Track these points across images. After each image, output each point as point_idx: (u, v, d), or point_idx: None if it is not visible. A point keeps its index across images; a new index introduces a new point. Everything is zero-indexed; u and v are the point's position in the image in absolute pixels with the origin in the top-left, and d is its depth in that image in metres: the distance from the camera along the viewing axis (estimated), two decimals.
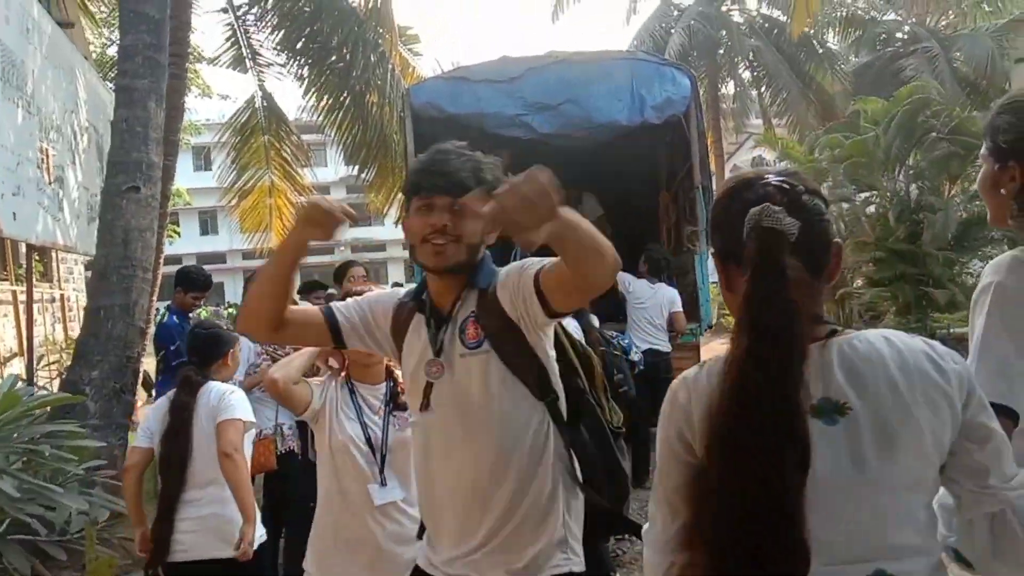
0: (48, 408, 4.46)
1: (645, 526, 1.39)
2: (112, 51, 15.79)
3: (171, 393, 3.27)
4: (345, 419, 2.66)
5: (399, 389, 2.65)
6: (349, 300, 2.16)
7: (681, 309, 6.56)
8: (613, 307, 6.94)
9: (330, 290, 5.57)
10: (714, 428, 1.17)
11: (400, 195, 12.46)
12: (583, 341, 5.08)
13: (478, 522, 1.92)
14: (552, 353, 2.00)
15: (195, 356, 3.36)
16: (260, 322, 2.04)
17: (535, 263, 1.86)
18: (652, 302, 6.47)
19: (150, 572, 3.12)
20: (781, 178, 1.31)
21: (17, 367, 8.39)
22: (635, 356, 6.12)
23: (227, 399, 3.17)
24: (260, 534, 3.20)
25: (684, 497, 1.24)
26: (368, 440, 2.65)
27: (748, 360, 1.14)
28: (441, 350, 1.96)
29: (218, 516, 3.12)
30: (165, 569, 3.09)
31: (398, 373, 2.56)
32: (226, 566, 3.06)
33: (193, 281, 5.62)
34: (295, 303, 2.17)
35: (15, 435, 3.67)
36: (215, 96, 20.59)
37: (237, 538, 3.02)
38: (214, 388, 3.22)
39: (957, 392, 1.23)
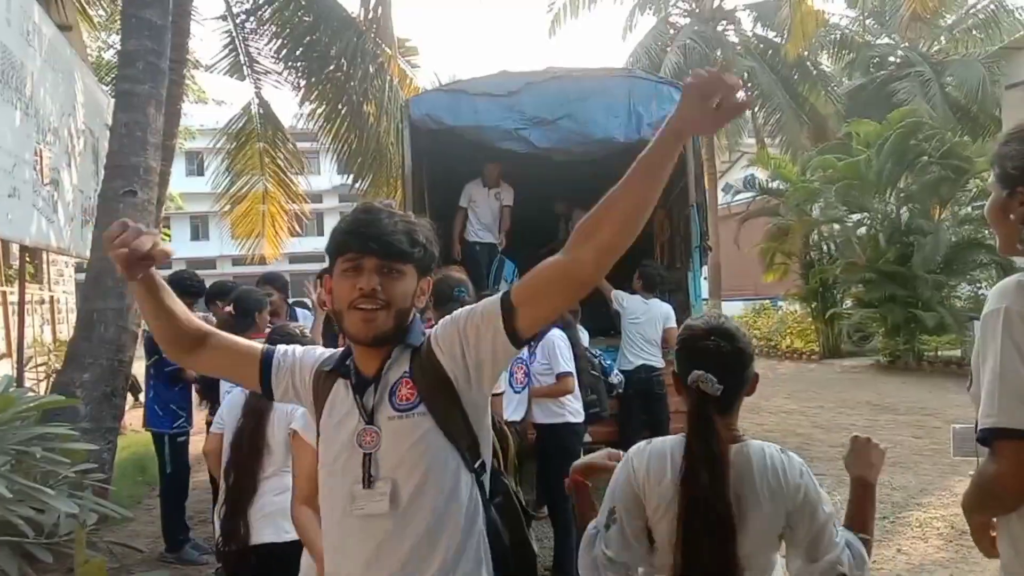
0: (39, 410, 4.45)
1: (593, 525, 2.02)
2: (109, 55, 15.81)
3: (247, 393, 3.31)
4: None
5: None
6: (292, 347, 1.97)
7: (675, 325, 6.59)
8: (606, 322, 6.97)
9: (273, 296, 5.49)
10: (675, 519, 1.86)
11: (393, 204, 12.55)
12: (572, 355, 5.12)
13: None
14: (487, 420, 1.84)
15: None
16: (161, 342, 1.90)
17: (484, 301, 1.74)
18: (646, 318, 6.50)
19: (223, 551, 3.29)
20: (716, 340, 1.92)
21: (4, 368, 8.35)
22: (615, 379, 6.17)
23: (297, 410, 3.03)
24: None
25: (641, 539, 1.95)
26: None
27: (691, 475, 1.84)
28: (373, 416, 1.75)
29: (284, 505, 3.08)
30: (238, 554, 3.23)
31: None
32: (291, 549, 3.02)
33: (186, 287, 5.63)
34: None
35: (7, 437, 3.66)
36: (210, 102, 20.63)
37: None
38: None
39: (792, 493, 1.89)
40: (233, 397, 3.49)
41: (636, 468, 1.93)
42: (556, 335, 5.05)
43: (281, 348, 1.94)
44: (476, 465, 1.77)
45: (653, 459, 1.92)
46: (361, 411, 1.76)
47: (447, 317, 1.79)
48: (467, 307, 1.77)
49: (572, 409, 5.12)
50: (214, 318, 5.71)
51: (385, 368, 1.77)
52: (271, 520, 3.21)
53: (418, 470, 1.71)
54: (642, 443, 2.00)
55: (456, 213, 7.95)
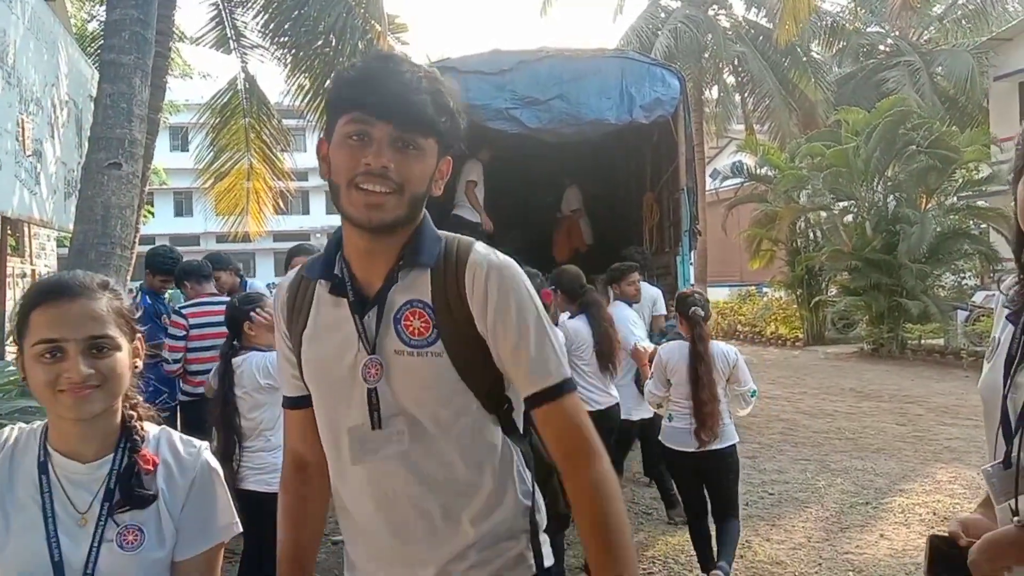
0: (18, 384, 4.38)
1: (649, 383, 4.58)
2: (93, 26, 15.57)
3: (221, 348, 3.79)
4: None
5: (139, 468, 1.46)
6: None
7: (664, 311, 6.58)
8: None
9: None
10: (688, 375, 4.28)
11: None
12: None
13: (426, 561, 1.47)
14: None
15: (231, 327, 3.78)
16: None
17: (532, 357, 1.43)
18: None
19: None
20: (697, 294, 4.47)
21: None
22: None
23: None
24: None
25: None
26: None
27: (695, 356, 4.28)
28: (376, 344, 1.43)
29: (269, 460, 3.57)
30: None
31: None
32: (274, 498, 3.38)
33: (159, 265, 5.64)
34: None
35: None
36: (195, 76, 20.38)
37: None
38: (253, 360, 3.61)
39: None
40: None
41: (664, 354, 4.45)
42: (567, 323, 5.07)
43: (283, 379, 1.65)
44: (500, 406, 1.50)
45: (673, 350, 4.43)
46: (363, 337, 1.43)
47: (502, 277, 1.43)
48: (522, 311, 1.43)
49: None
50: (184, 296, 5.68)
51: (389, 287, 1.44)
52: (259, 472, 3.59)
53: (427, 409, 1.43)
54: (668, 344, 4.59)
55: (468, 187, 7.94)
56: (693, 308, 4.31)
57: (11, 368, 5.64)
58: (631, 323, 5.55)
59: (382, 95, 1.34)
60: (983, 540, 1.40)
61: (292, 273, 1.60)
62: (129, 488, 1.43)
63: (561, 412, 1.44)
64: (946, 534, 1.55)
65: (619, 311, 5.55)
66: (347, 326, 1.45)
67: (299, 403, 1.60)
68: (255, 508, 3.62)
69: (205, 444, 1.58)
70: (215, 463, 1.56)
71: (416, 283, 1.45)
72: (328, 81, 1.51)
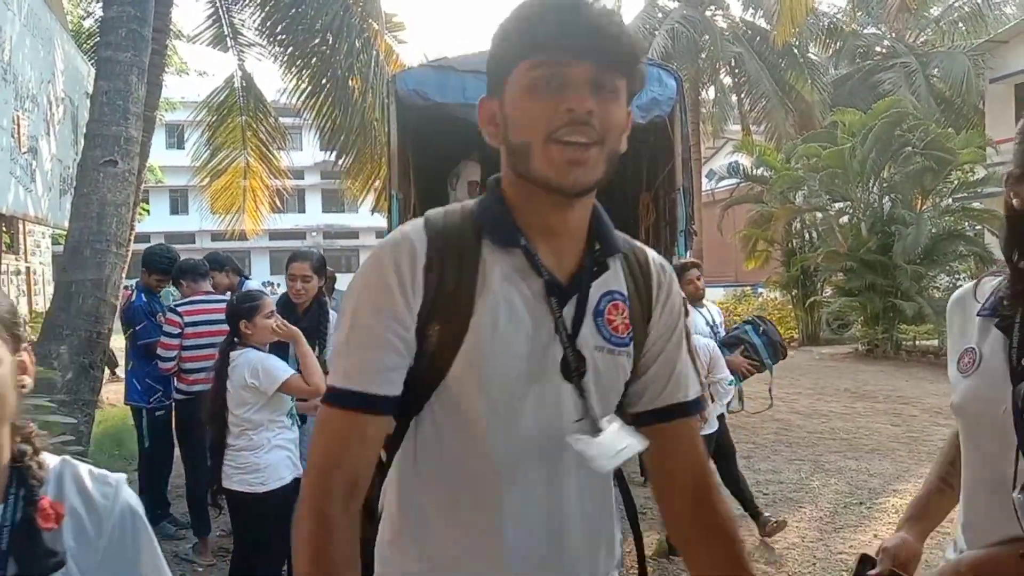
0: None
1: None
2: (89, 23, 15.53)
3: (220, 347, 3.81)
4: None
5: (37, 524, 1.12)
6: (368, 336, 1.19)
7: None
8: None
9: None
10: None
11: (377, 182, 12.52)
12: None
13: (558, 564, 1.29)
14: None
15: (230, 324, 3.78)
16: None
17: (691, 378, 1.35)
18: None
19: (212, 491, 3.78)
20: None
21: None
22: None
23: (267, 372, 3.58)
24: (285, 476, 3.65)
25: None
26: None
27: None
28: (574, 339, 1.22)
29: (252, 460, 3.62)
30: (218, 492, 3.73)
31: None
32: (257, 500, 3.61)
33: (155, 264, 5.64)
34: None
35: None
36: (191, 73, 20.35)
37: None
38: (246, 357, 3.63)
39: None
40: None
41: None
42: None
43: (373, 368, 1.17)
44: None
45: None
46: (561, 328, 1.21)
47: (674, 301, 1.34)
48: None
49: None
50: (179, 293, 5.69)
51: (582, 271, 1.24)
52: (244, 472, 3.62)
53: (605, 414, 1.26)
54: None
55: (471, 188, 7.99)
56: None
57: None
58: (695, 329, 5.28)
59: (581, 30, 1.11)
60: (978, 558, 1.36)
61: (417, 223, 1.23)
62: (26, 552, 1.07)
63: (693, 429, 1.35)
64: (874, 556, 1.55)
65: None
66: (538, 311, 1.20)
67: (387, 407, 1.17)
68: (239, 509, 3.74)
69: (123, 478, 1.23)
70: (137, 503, 1.22)
71: (615, 273, 1.28)
72: (497, 30, 1.27)
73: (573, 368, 1.21)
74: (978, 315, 1.48)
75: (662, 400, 1.32)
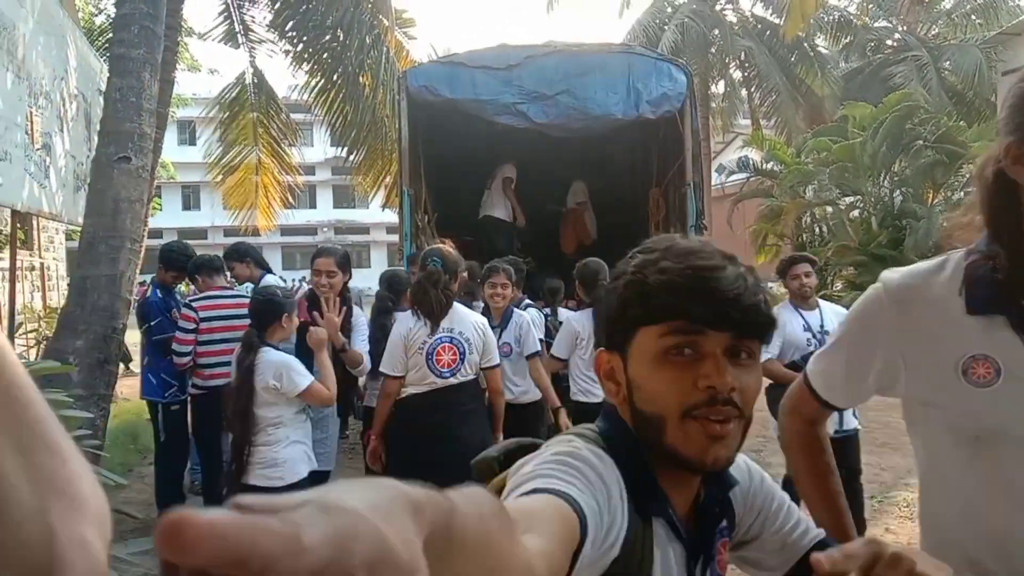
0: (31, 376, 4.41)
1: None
2: (100, 20, 15.62)
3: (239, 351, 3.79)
4: None
5: None
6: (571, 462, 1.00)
7: None
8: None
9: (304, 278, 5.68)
10: None
11: (388, 178, 12.55)
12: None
13: None
14: None
15: (254, 320, 3.79)
16: None
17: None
18: None
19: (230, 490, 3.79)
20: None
21: None
22: None
23: (290, 377, 3.62)
24: (301, 470, 3.71)
25: None
26: None
27: None
28: None
29: (269, 455, 3.66)
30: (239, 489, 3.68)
31: None
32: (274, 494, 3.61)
33: (172, 261, 5.66)
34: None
35: None
36: (203, 70, 20.45)
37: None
38: (268, 358, 3.66)
39: None
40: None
41: (576, 323, 3.98)
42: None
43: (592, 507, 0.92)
44: None
45: (585, 319, 4.09)
46: None
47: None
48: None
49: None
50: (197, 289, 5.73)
51: (707, 522, 1.15)
52: (264, 467, 3.65)
53: None
54: (576, 313, 4.15)
55: (506, 184, 8.15)
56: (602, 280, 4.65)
57: (24, 360, 5.69)
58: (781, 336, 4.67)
59: (717, 300, 1.02)
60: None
61: (604, 455, 1.05)
62: None
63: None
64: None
65: (784, 314, 4.65)
66: (684, 570, 1.11)
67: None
68: None
69: None
70: None
71: (718, 504, 1.17)
72: (625, 283, 1.23)
73: None
74: (970, 313, 1.32)
75: (796, 553, 1.23)
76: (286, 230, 39.86)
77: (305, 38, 11.30)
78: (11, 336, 6.99)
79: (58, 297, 11.31)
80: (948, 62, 20.66)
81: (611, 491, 0.97)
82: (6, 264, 8.36)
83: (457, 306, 3.99)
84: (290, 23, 11.19)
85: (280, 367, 3.65)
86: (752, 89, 21.84)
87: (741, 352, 1.05)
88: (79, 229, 6.77)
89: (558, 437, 1.09)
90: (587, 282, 4.99)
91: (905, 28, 23.31)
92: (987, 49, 19.52)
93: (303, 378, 3.65)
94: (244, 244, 6.02)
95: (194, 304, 5.26)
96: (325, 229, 49.29)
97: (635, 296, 1.07)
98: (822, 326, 4.65)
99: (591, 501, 0.91)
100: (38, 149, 7.10)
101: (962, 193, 15.78)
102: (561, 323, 5.34)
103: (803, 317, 4.69)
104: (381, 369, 4.08)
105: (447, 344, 3.94)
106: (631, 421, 1.09)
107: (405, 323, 4.00)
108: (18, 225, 8.25)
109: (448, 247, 4.17)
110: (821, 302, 4.87)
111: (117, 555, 3.51)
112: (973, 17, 22.59)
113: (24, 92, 6.70)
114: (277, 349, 3.76)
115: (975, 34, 21.31)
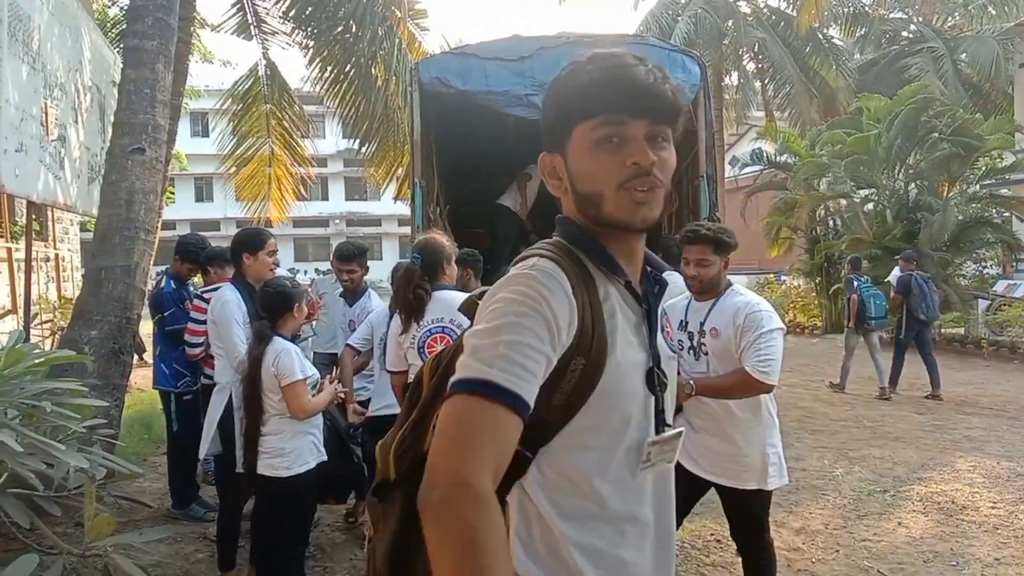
0: (47, 366, 4.45)
1: None
2: (114, 11, 15.66)
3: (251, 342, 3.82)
4: None
5: None
6: (511, 337, 1.18)
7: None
8: None
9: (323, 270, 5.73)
10: None
11: (400, 170, 12.55)
12: None
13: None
14: None
15: (265, 312, 3.80)
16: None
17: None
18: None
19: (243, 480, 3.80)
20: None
21: (10, 324, 8.36)
22: None
23: (280, 366, 3.62)
24: (309, 460, 3.72)
25: None
26: None
27: None
28: (655, 352, 1.39)
29: (277, 445, 3.67)
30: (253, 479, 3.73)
31: None
32: (281, 484, 3.66)
33: (189, 253, 5.69)
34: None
35: (17, 391, 3.66)
36: (216, 62, 20.47)
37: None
38: (275, 346, 3.68)
39: None
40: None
41: None
42: None
43: (515, 366, 1.16)
44: None
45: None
46: (648, 342, 1.37)
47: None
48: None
49: None
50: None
51: (652, 295, 1.41)
52: (271, 456, 3.67)
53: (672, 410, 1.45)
54: None
55: (521, 179, 8.39)
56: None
57: (38, 350, 5.74)
58: None
59: (646, 95, 1.27)
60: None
61: (547, 261, 1.30)
62: None
63: None
64: None
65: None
66: (639, 336, 1.36)
67: (527, 410, 1.17)
68: (263, 492, 3.77)
69: None
70: None
71: (661, 287, 1.46)
72: (552, 93, 1.31)
73: (657, 383, 1.36)
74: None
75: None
76: (298, 222, 40.01)
77: (318, 30, 11.29)
78: (27, 326, 7.04)
79: (73, 288, 11.38)
80: (964, 54, 20.47)
81: (555, 308, 1.22)
82: (22, 255, 8.41)
83: (443, 295, 3.86)
84: (303, 15, 11.18)
85: (281, 353, 3.65)
86: (766, 81, 21.72)
87: (658, 137, 1.31)
88: (93, 220, 6.80)
89: (515, 267, 1.32)
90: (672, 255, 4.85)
91: (921, 19, 23.11)
92: (1004, 41, 19.34)
93: (295, 372, 3.63)
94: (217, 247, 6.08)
95: (206, 295, 5.28)
96: (337, 221, 49.38)
97: (569, 97, 1.32)
98: (702, 324, 3.51)
99: (535, 363, 1.18)
100: (53, 140, 7.13)
101: (977, 186, 15.67)
102: None
103: (685, 311, 3.63)
104: (387, 367, 4.09)
105: (439, 335, 3.92)
106: (575, 204, 1.36)
107: (396, 320, 4.00)
108: (33, 216, 8.30)
109: (436, 237, 4.08)
110: (735, 292, 3.50)
111: (131, 543, 3.53)
112: (990, 8, 22.39)
113: (39, 84, 6.73)
114: (288, 340, 3.77)
115: (991, 25, 21.11)
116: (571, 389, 1.26)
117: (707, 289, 3.49)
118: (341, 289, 5.57)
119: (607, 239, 1.35)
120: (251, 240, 4.32)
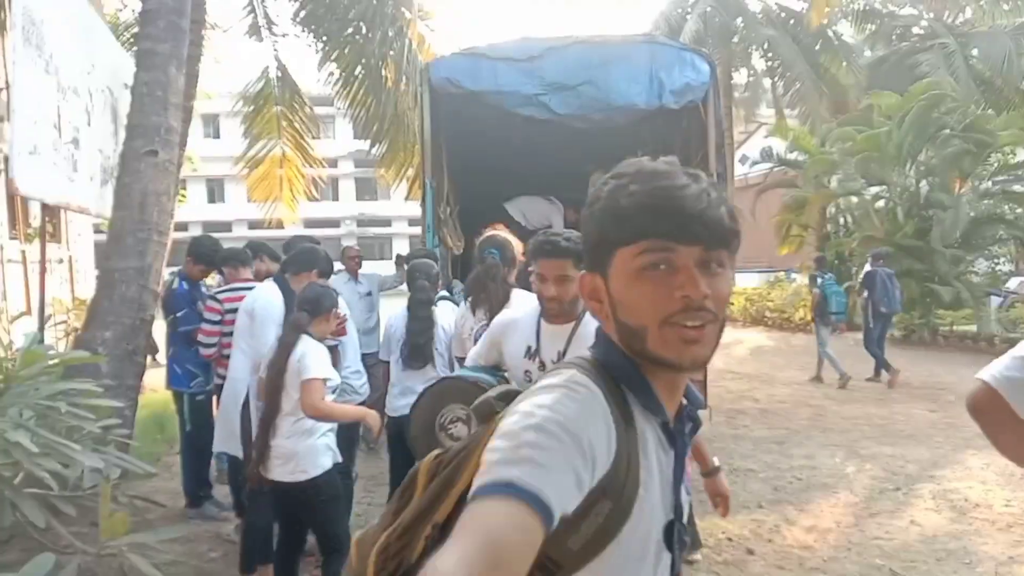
0: (62, 367, 4.49)
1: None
2: (125, 15, 15.74)
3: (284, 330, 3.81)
4: None
5: None
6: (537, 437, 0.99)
7: None
8: None
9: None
10: None
11: (410, 170, 12.58)
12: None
13: None
14: None
15: (306, 305, 3.78)
16: None
17: None
18: None
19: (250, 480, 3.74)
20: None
21: (25, 325, 8.43)
22: None
23: (305, 360, 3.58)
24: (325, 463, 3.69)
25: None
26: None
27: None
28: (680, 508, 1.23)
29: (289, 448, 3.63)
30: (262, 482, 3.68)
31: None
32: (304, 488, 3.64)
33: (202, 255, 5.73)
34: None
35: (32, 391, 3.70)
36: (225, 63, 20.54)
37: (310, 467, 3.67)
38: (301, 343, 3.65)
39: None
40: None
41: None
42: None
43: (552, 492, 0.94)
44: None
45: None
46: (673, 491, 1.20)
47: None
48: None
49: None
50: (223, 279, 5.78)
51: (683, 436, 1.24)
52: (283, 462, 3.63)
53: None
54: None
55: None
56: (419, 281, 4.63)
57: (53, 351, 5.79)
58: None
59: (684, 217, 1.11)
60: None
61: (585, 373, 1.15)
62: None
63: None
64: None
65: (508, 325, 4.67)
66: (666, 486, 1.19)
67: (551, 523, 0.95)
68: (282, 498, 3.74)
69: None
70: None
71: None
72: (599, 209, 1.27)
73: (677, 540, 1.19)
74: None
75: None
76: (309, 223, 40.08)
77: (328, 31, 11.34)
78: (41, 328, 7.09)
79: (86, 289, 11.46)
80: (976, 49, 20.33)
81: (592, 434, 1.03)
82: (35, 256, 8.48)
83: (514, 293, 3.84)
84: (313, 16, 11.23)
85: (310, 348, 3.62)
86: (776, 78, 21.63)
87: (711, 263, 1.13)
88: (107, 222, 6.85)
89: (548, 377, 1.15)
90: None
91: (932, 15, 22.98)
92: (1017, 36, 19.20)
93: (315, 370, 3.57)
94: (254, 241, 6.11)
95: (219, 296, 5.32)
96: (348, 221, 49.50)
97: (609, 220, 1.16)
98: (561, 354, 2.92)
99: (563, 474, 0.97)
100: (67, 143, 7.18)
101: (990, 183, 15.59)
102: None
103: (537, 334, 3.01)
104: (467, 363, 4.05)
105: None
106: (616, 335, 1.18)
107: (459, 313, 4.02)
108: (47, 218, 8.36)
109: (503, 232, 4.04)
110: (590, 315, 2.60)
111: (146, 542, 3.56)
112: (1002, 3, 22.24)
113: (53, 87, 6.77)
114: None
115: (1004, 20, 20.97)
116: (591, 534, 1.09)
117: (567, 311, 2.92)
118: (362, 288, 5.57)
119: (652, 374, 1.18)
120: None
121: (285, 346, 3.65)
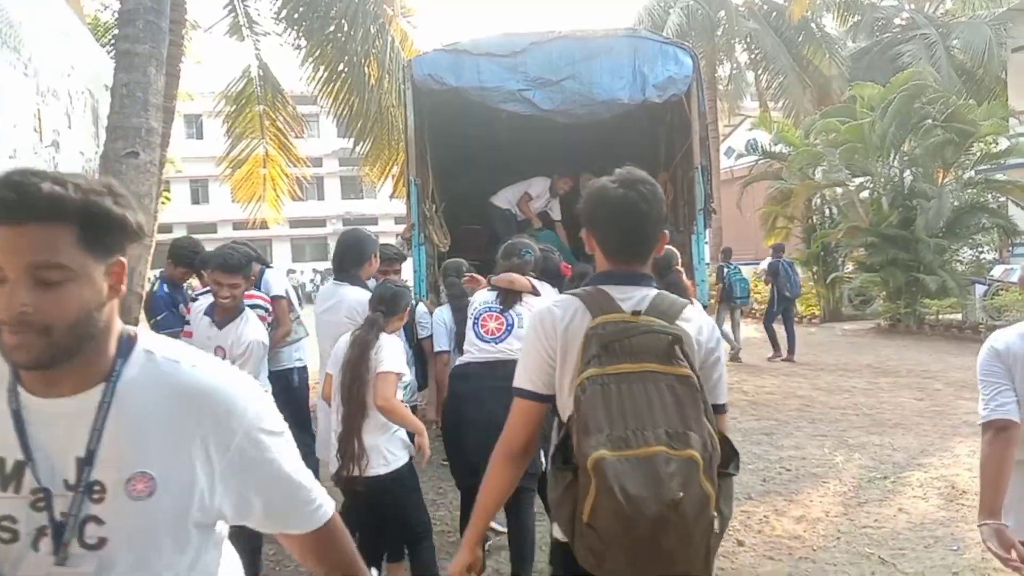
0: None
1: None
2: (106, 16, 15.62)
3: (354, 330, 3.74)
4: None
5: None
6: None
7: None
8: None
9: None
10: None
11: (395, 168, 12.54)
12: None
13: None
14: None
15: (381, 305, 3.79)
16: None
17: None
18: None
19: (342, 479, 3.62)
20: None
21: None
22: None
23: (381, 353, 3.59)
24: (402, 456, 3.68)
25: None
26: None
27: None
28: None
29: (370, 443, 3.56)
30: (351, 481, 3.58)
31: None
32: (386, 480, 3.60)
33: (181, 257, 5.66)
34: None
35: None
36: (207, 63, 20.39)
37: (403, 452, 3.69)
38: (382, 336, 3.67)
39: None
40: (340, 344, 3.80)
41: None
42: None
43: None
44: None
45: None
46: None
47: None
48: None
49: None
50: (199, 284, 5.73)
51: None
52: (375, 455, 3.56)
53: None
54: None
55: (523, 200, 8.40)
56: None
57: None
58: None
59: None
60: None
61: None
62: None
63: None
64: None
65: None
66: None
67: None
68: (366, 497, 3.66)
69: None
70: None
71: None
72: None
73: None
74: None
75: None
76: (295, 222, 39.93)
77: (310, 29, 11.28)
78: None
79: None
80: (957, 40, 20.46)
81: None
82: None
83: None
84: (295, 14, 11.17)
85: (389, 342, 3.66)
86: (759, 71, 21.72)
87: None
88: None
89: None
90: (661, 269, 4.98)
91: (913, 6, 23.11)
92: (996, 26, 19.33)
93: (391, 363, 3.58)
94: (238, 242, 6.04)
95: (200, 299, 5.27)
96: (333, 220, 49.31)
97: None
98: None
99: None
100: (47, 146, 7.12)
101: (972, 172, 15.68)
102: None
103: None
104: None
105: (495, 313, 4.15)
106: None
107: (479, 297, 4.35)
108: None
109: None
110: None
111: None
112: None
113: (31, 89, 6.71)
114: None
115: (984, 11, 21.10)
116: None
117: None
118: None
119: None
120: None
121: (364, 344, 3.61)
